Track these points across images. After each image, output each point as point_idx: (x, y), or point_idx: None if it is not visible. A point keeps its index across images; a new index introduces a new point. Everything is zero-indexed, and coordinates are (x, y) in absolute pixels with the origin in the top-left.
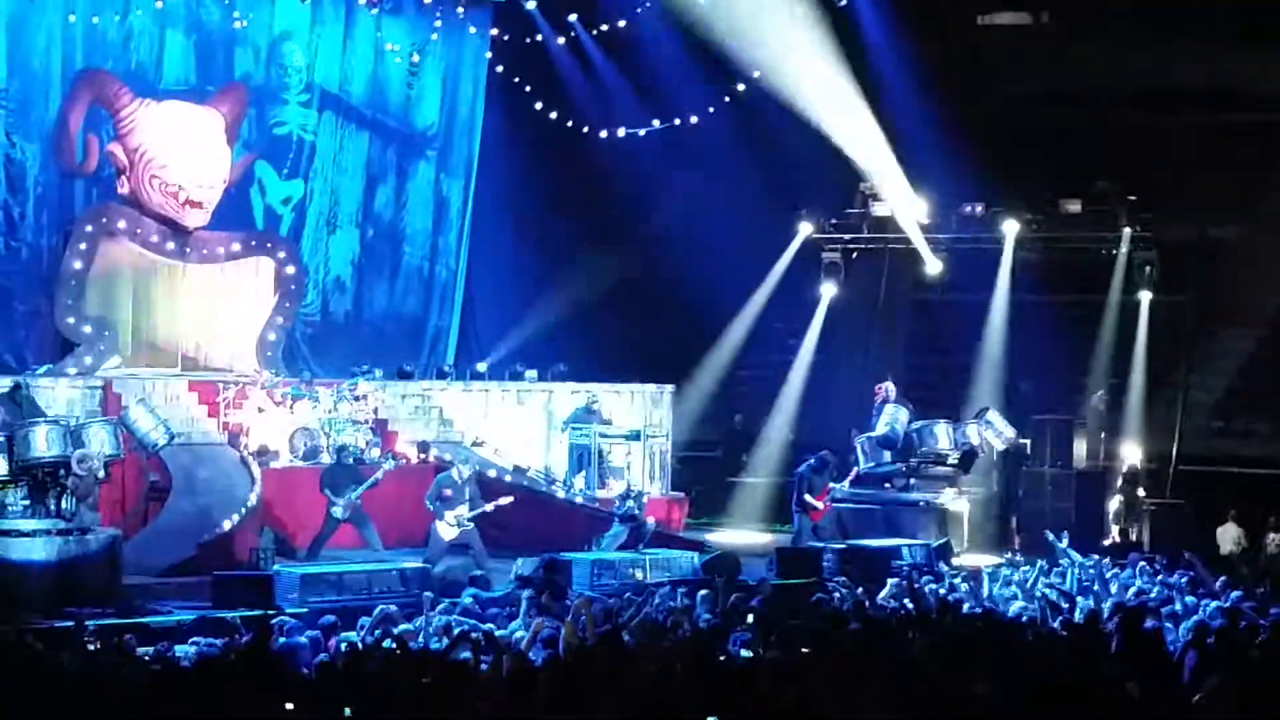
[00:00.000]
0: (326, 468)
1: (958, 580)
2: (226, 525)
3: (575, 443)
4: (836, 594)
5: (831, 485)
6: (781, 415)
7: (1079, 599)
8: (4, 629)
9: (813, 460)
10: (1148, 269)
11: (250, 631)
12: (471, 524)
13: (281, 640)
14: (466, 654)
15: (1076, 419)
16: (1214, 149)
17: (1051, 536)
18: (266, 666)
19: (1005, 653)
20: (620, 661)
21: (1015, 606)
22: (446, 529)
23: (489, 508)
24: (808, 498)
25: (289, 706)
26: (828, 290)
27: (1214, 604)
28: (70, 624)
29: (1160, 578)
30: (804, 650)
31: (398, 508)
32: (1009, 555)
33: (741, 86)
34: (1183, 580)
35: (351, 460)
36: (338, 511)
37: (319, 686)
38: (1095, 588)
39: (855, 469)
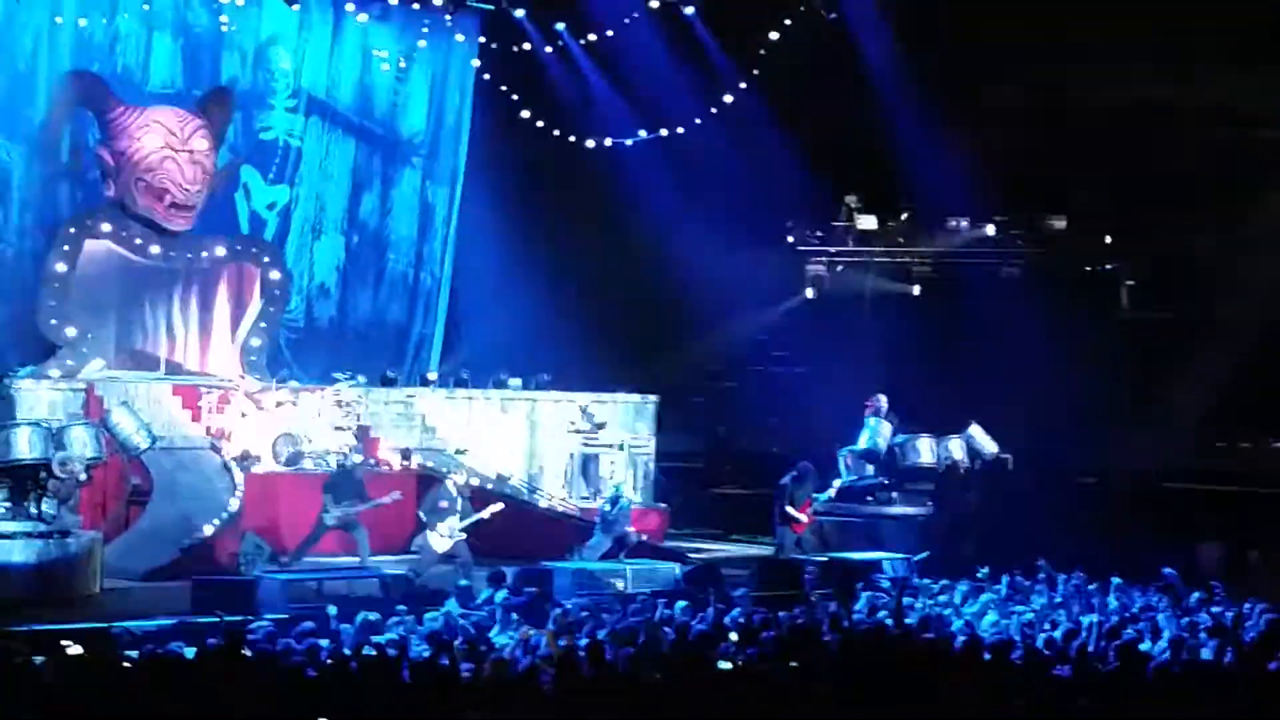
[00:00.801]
0: (334, 473)
1: (938, 596)
2: (208, 530)
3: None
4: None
5: (814, 497)
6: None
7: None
8: None
9: (793, 471)
10: (1130, 285)
11: (226, 637)
12: (464, 534)
13: (260, 646)
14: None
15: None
16: (1198, 166)
17: (1042, 562)
18: (243, 671)
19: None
20: (605, 671)
21: (988, 620)
22: (440, 540)
23: (485, 514)
24: (790, 510)
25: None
26: (809, 296)
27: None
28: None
29: (1139, 596)
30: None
31: (377, 514)
32: (987, 571)
33: (729, 98)
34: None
35: (359, 476)
36: (328, 518)
37: (299, 692)
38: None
39: (837, 482)
